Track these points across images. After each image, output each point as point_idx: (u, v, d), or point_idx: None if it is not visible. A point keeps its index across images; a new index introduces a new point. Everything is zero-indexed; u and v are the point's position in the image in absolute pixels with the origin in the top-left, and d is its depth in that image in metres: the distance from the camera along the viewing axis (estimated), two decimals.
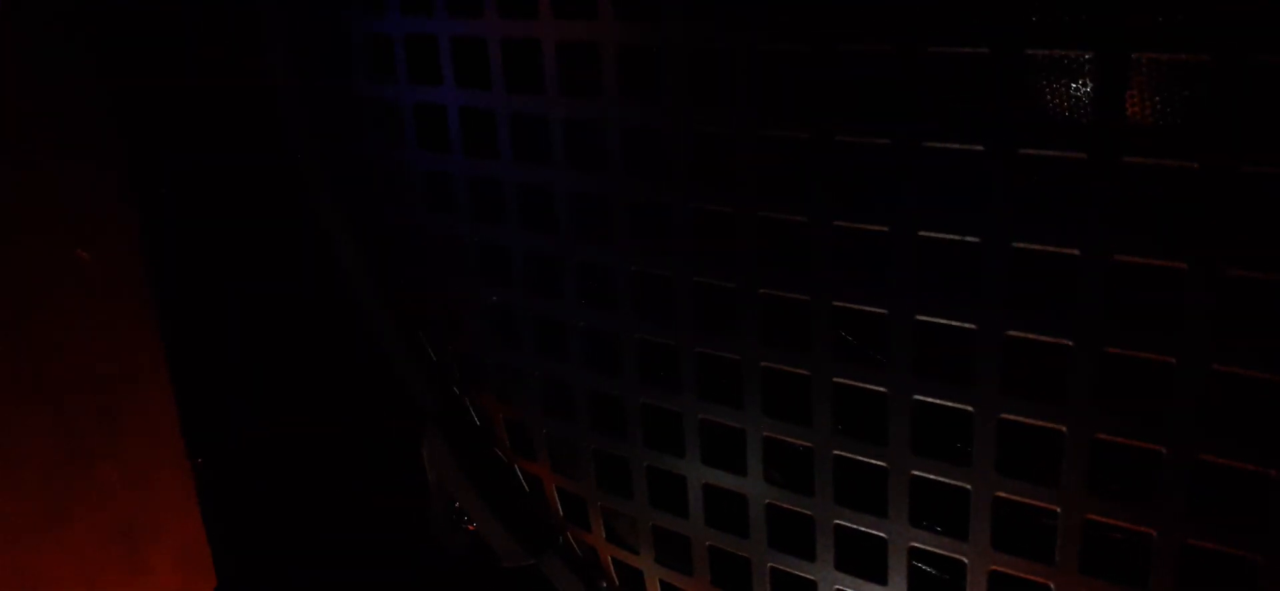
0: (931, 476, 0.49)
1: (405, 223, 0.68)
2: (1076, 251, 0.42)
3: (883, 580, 0.54)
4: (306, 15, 0.67)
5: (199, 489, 0.89)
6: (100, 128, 0.79)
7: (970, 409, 0.47)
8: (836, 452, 0.52)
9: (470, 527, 0.78)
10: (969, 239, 0.44)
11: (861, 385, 0.50)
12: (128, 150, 0.80)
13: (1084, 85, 0.44)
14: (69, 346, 0.81)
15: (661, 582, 0.65)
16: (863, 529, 0.53)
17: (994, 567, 0.49)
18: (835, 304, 0.50)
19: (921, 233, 0.45)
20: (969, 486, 0.48)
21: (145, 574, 0.88)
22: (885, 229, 0.46)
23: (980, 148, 0.43)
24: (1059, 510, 0.46)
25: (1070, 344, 0.43)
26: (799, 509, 0.55)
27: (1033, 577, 0.48)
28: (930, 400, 0.48)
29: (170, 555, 0.89)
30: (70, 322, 0.80)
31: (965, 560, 0.50)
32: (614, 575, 0.69)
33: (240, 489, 0.91)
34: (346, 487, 0.95)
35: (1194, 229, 0.39)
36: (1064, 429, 0.45)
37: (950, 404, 0.48)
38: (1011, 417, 0.46)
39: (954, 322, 0.46)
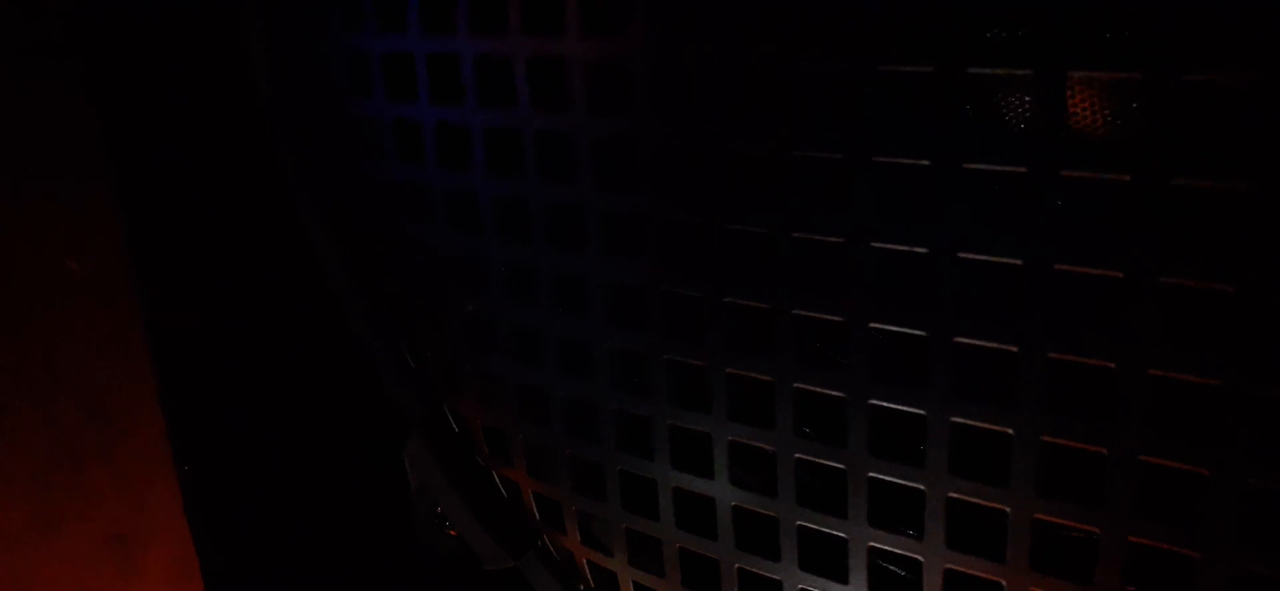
0: (887, 478, 0.51)
1: (386, 232, 0.70)
2: (1019, 262, 0.44)
3: (845, 580, 0.55)
4: (287, 30, 0.68)
5: (187, 493, 0.90)
6: (87, 136, 0.80)
7: (923, 413, 0.49)
8: (798, 455, 0.54)
9: (454, 532, 0.79)
10: (918, 250, 0.46)
11: (821, 390, 0.52)
12: (115, 158, 0.81)
13: (1025, 100, 0.46)
14: (59, 354, 0.82)
15: (635, 584, 0.66)
16: (824, 529, 0.55)
17: (948, 566, 0.51)
18: (796, 312, 0.51)
19: (873, 244, 0.47)
20: (923, 487, 0.50)
21: (138, 579, 0.90)
22: (840, 240, 0.48)
23: (927, 162, 0.44)
24: (1008, 510, 0.48)
25: (1016, 350, 0.45)
26: (763, 510, 0.57)
27: (986, 575, 0.50)
28: (885, 404, 0.50)
29: (162, 560, 0.91)
30: (60, 330, 0.82)
31: (921, 559, 0.51)
32: (590, 577, 0.70)
33: (228, 493, 0.92)
34: (333, 491, 0.97)
35: (1130, 240, 0.41)
36: (1011, 431, 0.46)
37: (903, 408, 0.49)
38: (961, 420, 0.48)
39: (905, 329, 0.48)
